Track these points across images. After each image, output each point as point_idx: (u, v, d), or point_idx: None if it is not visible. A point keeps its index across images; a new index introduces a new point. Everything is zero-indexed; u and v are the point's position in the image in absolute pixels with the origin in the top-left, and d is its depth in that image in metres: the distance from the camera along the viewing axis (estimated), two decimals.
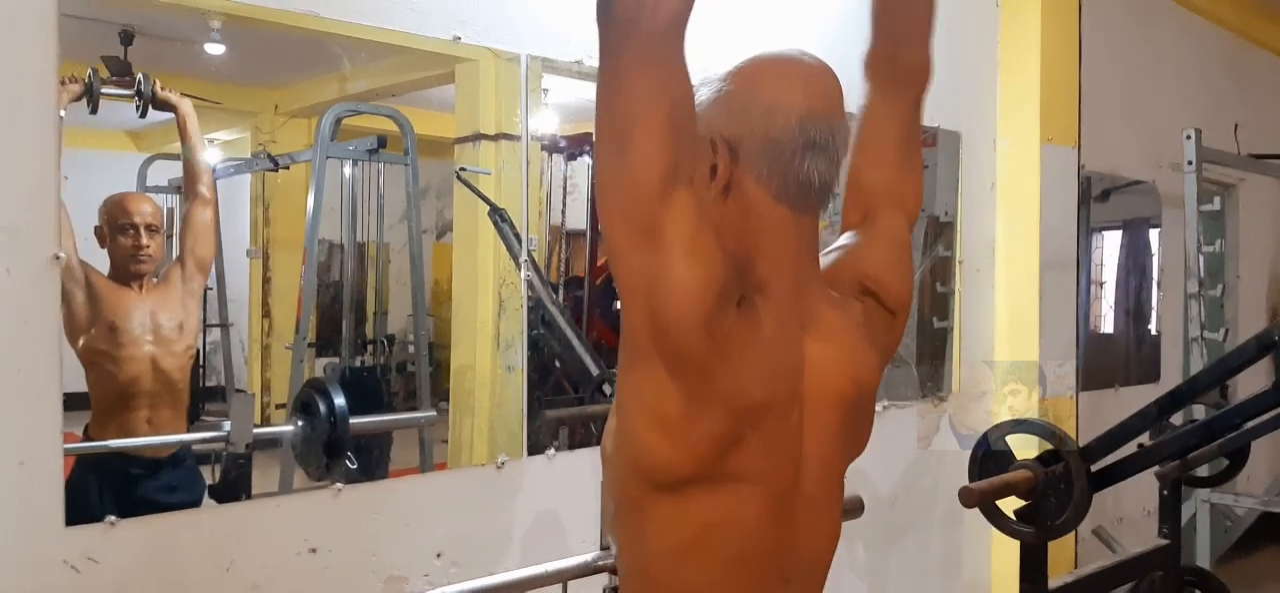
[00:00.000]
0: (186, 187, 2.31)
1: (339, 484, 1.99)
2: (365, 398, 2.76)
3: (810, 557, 1.13)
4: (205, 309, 2.85)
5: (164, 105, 2.19)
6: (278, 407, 2.53)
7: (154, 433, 2.24)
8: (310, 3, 1.90)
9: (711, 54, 1.07)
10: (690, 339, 0.96)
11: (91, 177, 2.16)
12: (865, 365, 1.13)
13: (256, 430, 2.22)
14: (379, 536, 2.00)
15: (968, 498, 2.13)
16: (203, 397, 2.79)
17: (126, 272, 2.19)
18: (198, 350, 2.90)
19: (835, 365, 1.09)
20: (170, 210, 2.49)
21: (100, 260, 2.13)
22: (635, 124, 0.91)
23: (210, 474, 2.21)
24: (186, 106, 2.24)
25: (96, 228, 2.20)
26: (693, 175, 0.95)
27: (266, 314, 2.68)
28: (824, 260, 1.19)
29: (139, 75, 2.13)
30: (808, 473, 1.09)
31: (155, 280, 2.27)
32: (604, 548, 1.76)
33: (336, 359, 2.81)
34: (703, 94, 1.09)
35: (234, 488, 2.14)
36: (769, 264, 1.06)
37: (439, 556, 2.08)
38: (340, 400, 2.26)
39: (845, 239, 1.23)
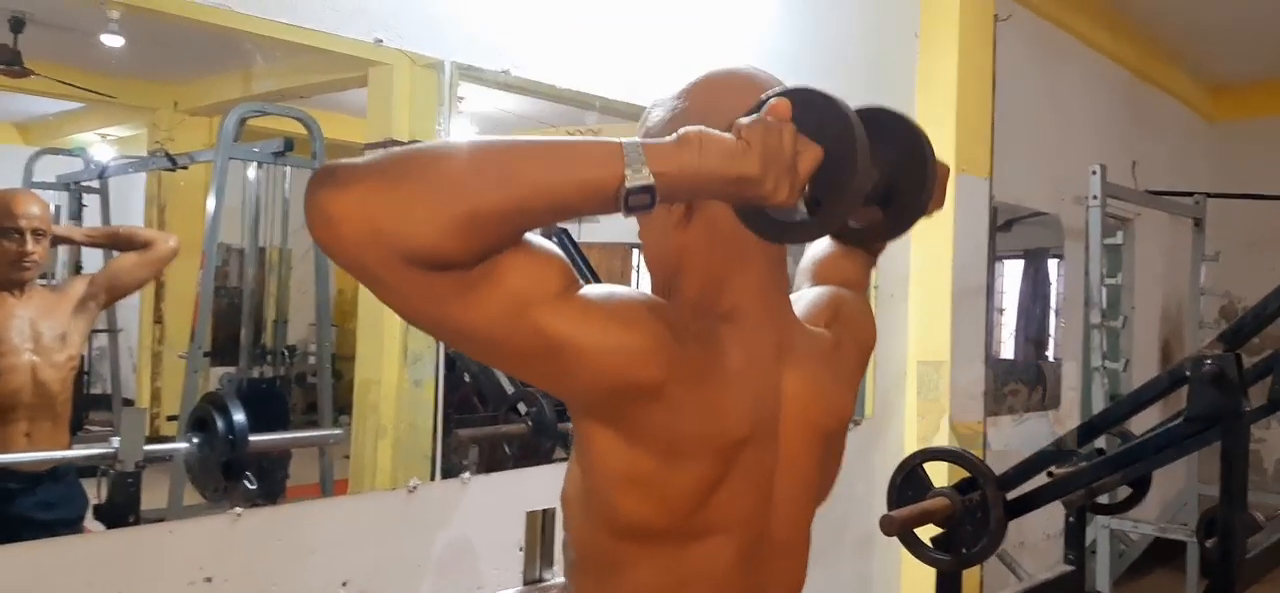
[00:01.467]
0: (145, 242, 2.29)
1: (238, 508, 1.87)
2: (264, 412, 2.59)
3: None
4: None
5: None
6: (169, 419, 2.40)
7: (33, 447, 2.11)
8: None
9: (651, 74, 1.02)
10: (636, 409, 0.90)
11: None
12: (841, 395, 1.09)
13: (147, 447, 2.10)
14: (280, 564, 1.89)
15: (889, 526, 2.12)
16: (87, 405, 2.63)
17: (7, 278, 2.06)
18: (82, 357, 2.78)
19: (812, 395, 1.04)
20: (57, 207, 2.37)
21: None
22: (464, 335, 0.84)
23: (95, 491, 2.06)
24: (82, 235, 2.27)
25: None
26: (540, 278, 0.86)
27: (158, 320, 2.54)
28: (800, 296, 1.18)
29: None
30: (778, 516, 1.04)
31: (42, 283, 2.14)
32: (528, 583, 1.68)
33: (234, 370, 2.66)
34: (656, 115, 1.04)
35: (122, 509, 2.02)
36: (739, 288, 1.01)
37: (345, 585, 1.97)
38: (240, 417, 2.16)
39: (815, 287, 1.23)
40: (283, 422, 2.68)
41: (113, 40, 2.00)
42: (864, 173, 0.89)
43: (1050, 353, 5.06)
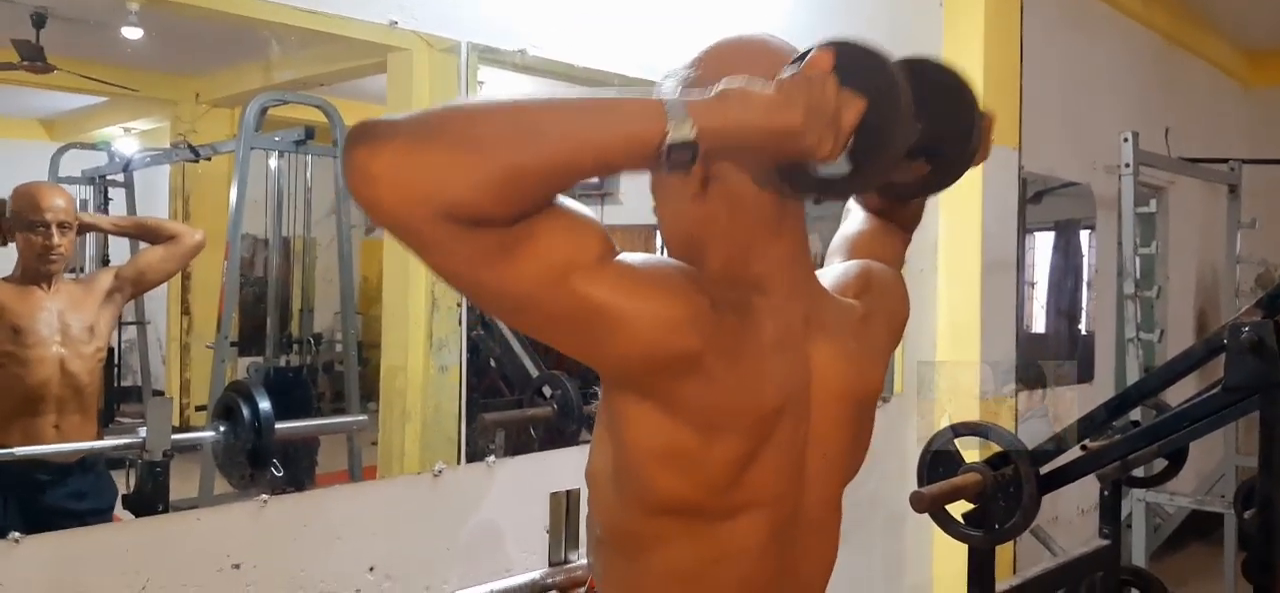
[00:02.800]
0: (170, 236, 2.27)
1: (264, 495, 1.87)
2: (291, 400, 2.68)
3: (809, 581, 1.06)
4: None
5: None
6: (198, 409, 2.44)
7: (62, 439, 2.13)
8: None
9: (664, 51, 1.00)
10: (674, 381, 0.88)
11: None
12: (872, 367, 1.07)
13: (175, 436, 2.11)
14: (307, 550, 1.89)
15: (919, 503, 2.09)
16: (118, 397, 2.72)
17: (35, 271, 2.07)
18: (112, 349, 2.81)
19: (842, 367, 1.02)
20: (84, 202, 2.39)
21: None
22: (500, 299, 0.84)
23: (124, 481, 2.08)
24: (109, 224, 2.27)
25: (2, 221, 2.08)
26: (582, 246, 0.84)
27: (186, 312, 2.59)
28: (829, 270, 1.16)
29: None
30: (810, 492, 1.02)
31: (69, 278, 2.15)
32: (553, 564, 1.67)
33: (261, 359, 2.71)
34: (668, 86, 1.01)
35: (150, 499, 2.03)
36: (766, 259, 0.98)
37: (372, 570, 1.97)
38: (265, 405, 2.15)
39: (846, 259, 1.21)
40: (309, 409, 2.72)
41: (133, 32, 2.00)
42: (907, 124, 0.87)
43: (1083, 326, 4.99)
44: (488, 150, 0.75)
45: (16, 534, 1.59)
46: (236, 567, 1.78)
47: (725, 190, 0.98)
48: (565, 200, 0.83)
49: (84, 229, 2.22)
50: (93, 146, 2.44)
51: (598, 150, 0.80)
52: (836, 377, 1.02)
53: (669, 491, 0.93)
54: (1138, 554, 3.98)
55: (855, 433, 1.05)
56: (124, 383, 2.73)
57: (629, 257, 0.86)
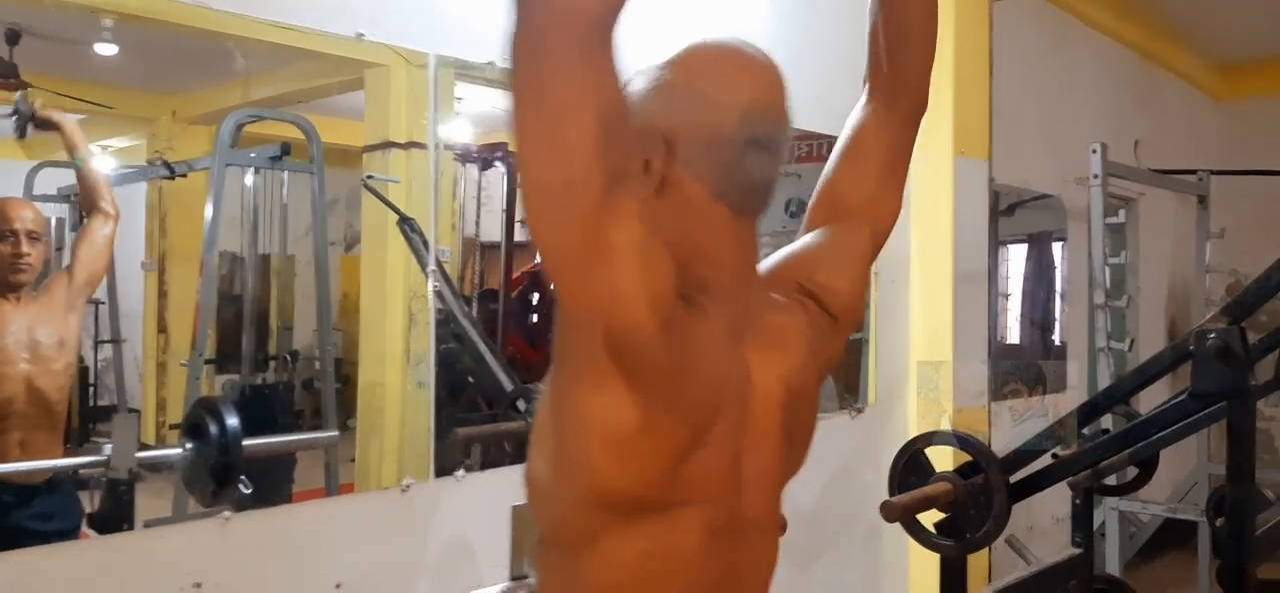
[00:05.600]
0: (85, 199, 2.19)
1: (226, 512, 1.85)
2: (266, 417, 2.66)
3: (751, 585, 1.06)
4: (97, 325, 2.76)
5: (46, 124, 2.06)
6: (173, 427, 2.41)
7: (26, 457, 2.10)
8: None
9: (649, 45, 1.00)
10: (651, 349, 0.88)
11: None
12: (806, 375, 1.07)
13: (140, 454, 2.08)
14: (272, 567, 1.87)
15: (890, 512, 2.09)
16: (93, 416, 2.70)
17: (4, 282, 2.05)
18: (88, 368, 2.79)
19: (776, 375, 1.02)
20: (60, 220, 2.36)
21: None
22: (567, 127, 0.81)
23: (90, 500, 2.05)
24: (68, 122, 2.12)
25: None
26: (629, 178, 0.86)
27: (162, 330, 2.58)
28: (773, 259, 1.14)
29: (17, 96, 1.99)
30: (749, 494, 1.02)
31: (35, 292, 2.12)
32: (515, 579, 1.66)
33: (236, 376, 2.69)
34: (638, 84, 1.01)
35: (115, 517, 2.01)
36: (707, 266, 0.99)
37: (339, 587, 1.95)
38: (232, 421, 2.13)
39: (801, 241, 1.18)
40: (286, 425, 2.68)
41: (107, 49, 1.99)
42: None
43: (1056, 337, 5.02)
44: None
45: None
46: (197, 586, 1.76)
47: (679, 195, 0.98)
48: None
49: (49, 125, 2.12)
50: (69, 165, 2.42)
51: None
52: (773, 382, 1.02)
53: (606, 477, 0.92)
54: (1111, 563, 4.00)
55: (790, 436, 1.06)
56: (101, 402, 2.71)
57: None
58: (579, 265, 0.84)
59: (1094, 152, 3.92)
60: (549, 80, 0.81)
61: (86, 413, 2.85)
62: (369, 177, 2.24)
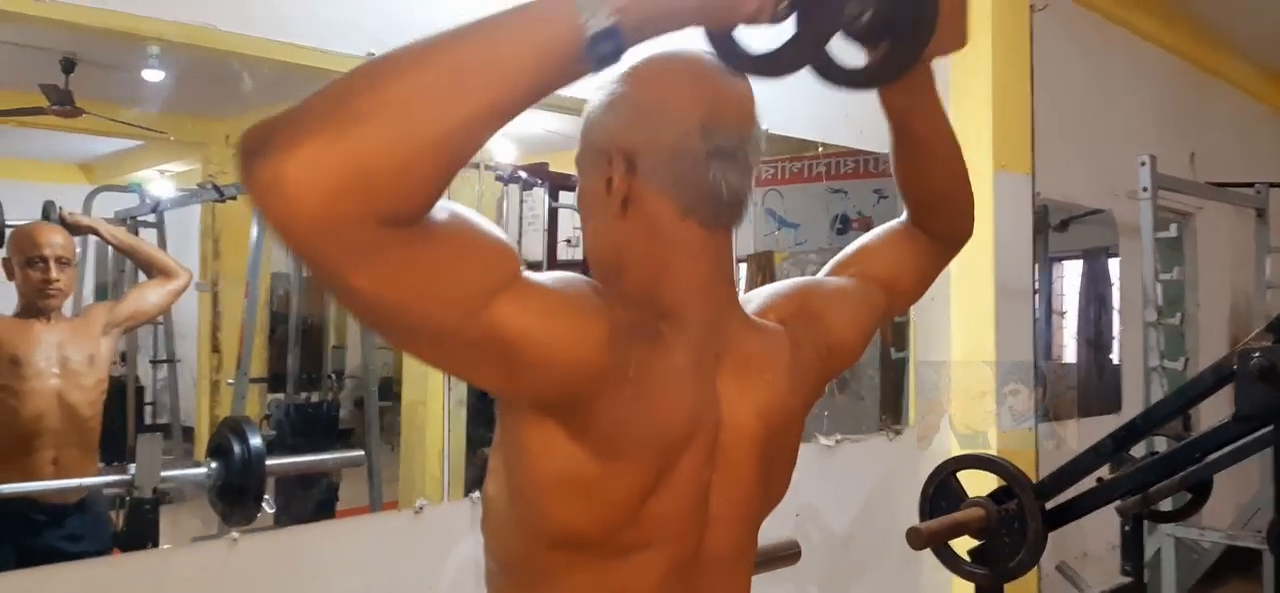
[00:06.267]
0: (146, 269, 2.31)
1: (235, 533, 1.84)
2: (313, 435, 2.69)
3: None
4: (155, 344, 2.85)
5: (78, 229, 2.19)
6: None
7: (60, 475, 2.13)
8: (215, 17, 1.78)
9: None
10: (582, 405, 0.84)
11: (32, 211, 2.10)
12: (787, 407, 1.00)
13: (164, 473, 2.10)
14: (283, 589, 1.85)
15: (916, 539, 2.02)
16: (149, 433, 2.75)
17: (35, 306, 2.10)
18: (144, 387, 2.86)
19: (752, 406, 0.97)
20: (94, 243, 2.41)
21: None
22: (406, 316, 0.74)
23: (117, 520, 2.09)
24: (101, 224, 2.26)
25: (3, 259, 2.11)
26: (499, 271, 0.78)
27: (216, 349, 2.63)
28: (787, 284, 1.09)
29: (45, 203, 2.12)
30: (715, 531, 0.97)
31: (68, 314, 2.16)
32: None
33: (282, 396, 2.72)
34: (596, 100, 0.97)
35: (140, 537, 2.03)
36: (679, 287, 0.94)
37: None
38: (256, 441, 2.15)
39: (822, 278, 1.14)
40: (331, 444, 2.71)
41: (154, 75, 2.03)
42: None
43: (1114, 356, 4.87)
44: (417, 116, 0.66)
45: None
46: None
47: (644, 213, 0.94)
48: (467, 213, 0.77)
49: (79, 231, 2.22)
50: (124, 188, 2.47)
51: (521, 69, 0.70)
52: (748, 412, 0.97)
53: (563, 522, 0.89)
54: (1168, 591, 3.83)
55: (766, 470, 1.00)
56: (161, 421, 2.80)
57: (542, 277, 0.82)
58: (478, 367, 0.81)
59: (1143, 164, 3.79)
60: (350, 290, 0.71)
61: (142, 431, 2.92)
62: None
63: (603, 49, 0.72)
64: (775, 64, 0.88)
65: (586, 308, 0.84)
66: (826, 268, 1.16)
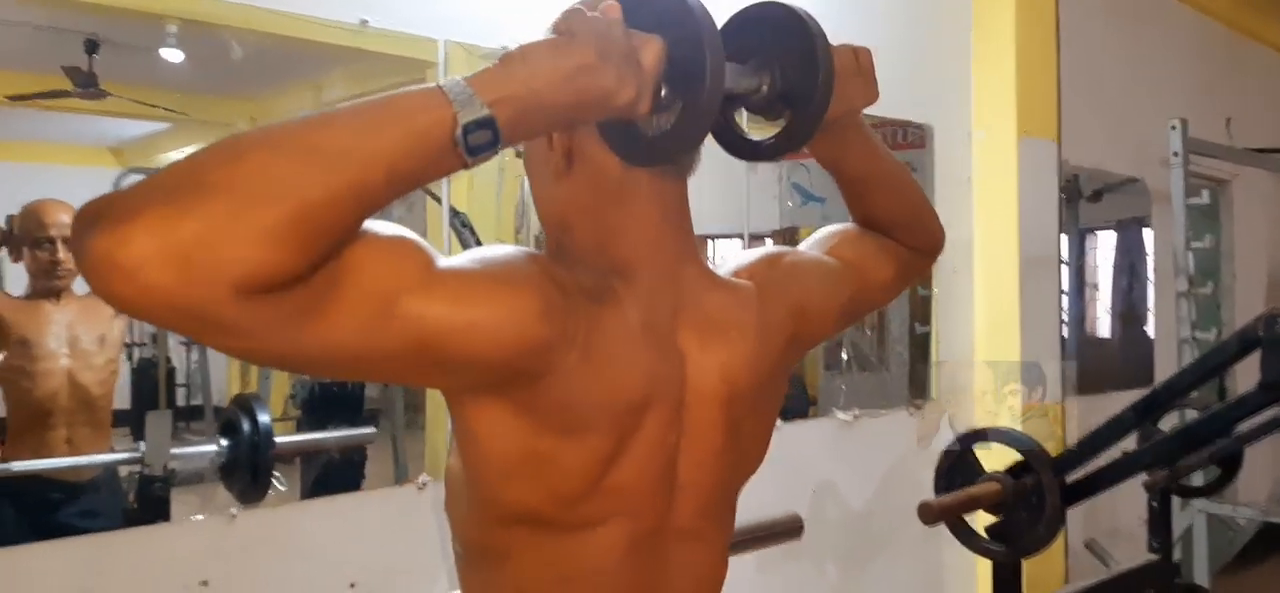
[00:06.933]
0: None
1: (233, 509, 1.83)
2: (337, 414, 2.67)
3: None
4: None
5: None
6: None
7: (73, 453, 2.14)
8: None
9: None
10: (526, 382, 0.80)
11: (68, 195, 2.07)
12: (755, 368, 0.95)
13: (174, 450, 2.11)
14: (284, 565, 1.85)
15: (927, 514, 1.96)
16: (181, 416, 2.75)
17: (44, 286, 2.09)
18: (175, 368, 2.88)
19: (717, 366, 0.92)
20: None
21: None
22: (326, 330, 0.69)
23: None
24: None
25: (10, 238, 2.11)
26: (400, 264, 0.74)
27: None
28: (772, 250, 1.05)
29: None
30: (684, 500, 0.92)
31: (79, 293, 2.16)
32: None
33: (306, 376, 2.71)
34: None
35: (150, 513, 2.04)
36: (628, 242, 0.89)
37: (353, 586, 1.92)
38: (264, 419, 2.15)
39: (807, 250, 1.10)
40: (352, 422, 2.64)
41: (173, 55, 2.02)
42: (718, 53, 0.79)
43: (1149, 328, 4.76)
44: (264, 196, 0.63)
45: None
46: (204, 584, 1.74)
47: (589, 169, 0.90)
48: (367, 222, 0.72)
49: None
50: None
51: (389, 160, 0.67)
52: (711, 371, 0.91)
53: (516, 500, 0.85)
54: (1200, 570, 3.74)
55: (736, 436, 0.95)
56: (195, 402, 2.78)
57: (457, 260, 0.77)
58: (415, 371, 0.79)
59: (1173, 128, 3.68)
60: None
61: (174, 413, 2.94)
62: None
63: (478, 141, 0.70)
64: (668, 148, 0.85)
65: (513, 281, 0.79)
66: (803, 245, 1.13)
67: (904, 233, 1.11)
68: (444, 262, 0.76)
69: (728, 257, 1.03)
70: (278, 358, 0.72)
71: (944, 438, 3.06)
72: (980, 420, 3.26)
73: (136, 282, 0.60)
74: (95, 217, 0.61)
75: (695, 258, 0.95)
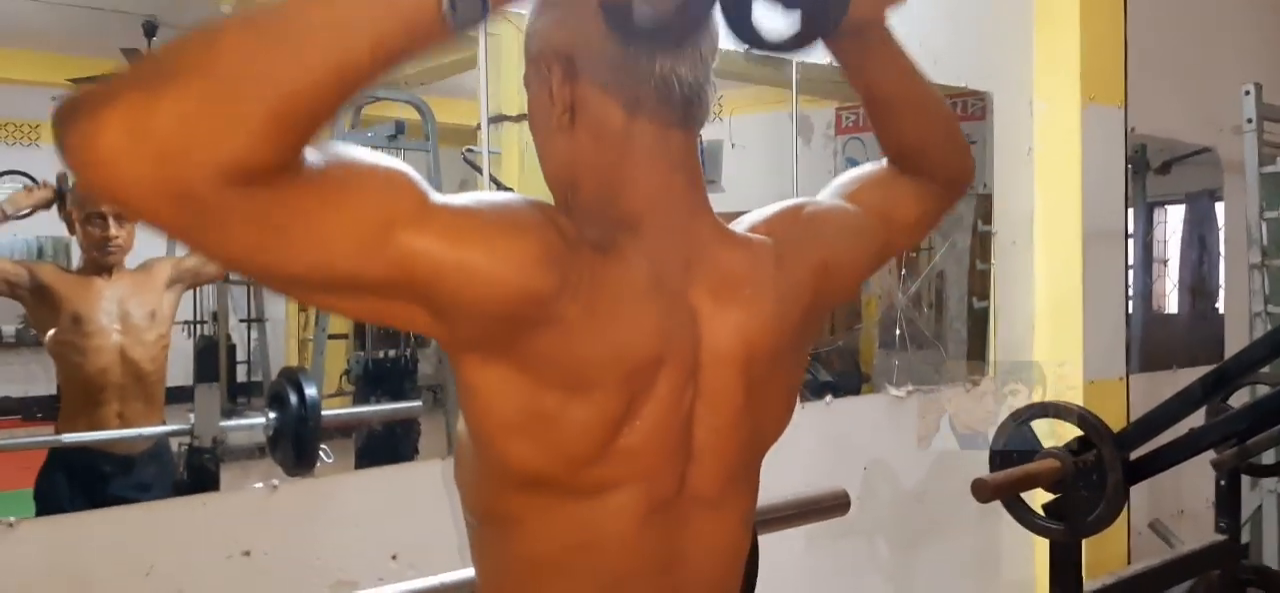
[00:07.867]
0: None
1: (275, 480, 1.84)
2: (390, 387, 2.80)
3: (702, 570, 0.91)
4: (249, 304, 3.03)
5: None
6: None
7: (125, 427, 2.16)
8: None
9: None
10: (527, 334, 0.76)
11: None
12: (777, 328, 0.90)
13: (222, 422, 2.13)
14: (325, 536, 1.85)
15: (981, 492, 1.90)
16: (239, 392, 3.00)
17: (96, 262, 2.13)
18: (236, 346, 2.95)
19: (733, 325, 0.87)
20: None
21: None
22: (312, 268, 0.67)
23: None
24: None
25: (66, 213, 2.15)
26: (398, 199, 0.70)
27: (303, 308, 2.74)
28: (791, 204, 1.00)
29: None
30: (701, 466, 0.88)
31: (130, 268, 2.19)
32: None
33: (362, 352, 2.85)
34: (534, 4, 0.90)
35: (200, 484, 2.07)
36: (635, 194, 0.85)
37: (395, 558, 1.91)
38: (311, 392, 2.16)
39: (829, 200, 1.04)
40: (407, 396, 2.82)
41: None
42: None
43: (1219, 304, 4.60)
44: (245, 78, 0.60)
45: (12, 519, 1.59)
46: (246, 554, 1.75)
47: (591, 119, 0.86)
48: (359, 150, 0.70)
49: None
50: None
51: (374, 35, 0.63)
52: (727, 331, 0.87)
53: (523, 463, 0.81)
54: (1269, 552, 3.60)
55: (755, 400, 0.90)
56: (255, 378, 2.95)
57: (456, 199, 0.74)
58: (403, 310, 0.74)
59: (1247, 93, 3.52)
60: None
61: (233, 389, 3.01)
62: (468, 149, 2.26)
63: (465, 6, 0.65)
64: (667, 34, 0.80)
65: (515, 225, 0.75)
66: (824, 192, 1.07)
67: (936, 157, 1.05)
68: (440, 198, 0.72)
69: (745, 216, 0.98)
70: (262, 268, 0.67)
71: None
72: (1038, 397, 3.17)
73: (112, 171, 0.59)
74: (73, 108, 0.59)
75: (708, 212, 0.91)
